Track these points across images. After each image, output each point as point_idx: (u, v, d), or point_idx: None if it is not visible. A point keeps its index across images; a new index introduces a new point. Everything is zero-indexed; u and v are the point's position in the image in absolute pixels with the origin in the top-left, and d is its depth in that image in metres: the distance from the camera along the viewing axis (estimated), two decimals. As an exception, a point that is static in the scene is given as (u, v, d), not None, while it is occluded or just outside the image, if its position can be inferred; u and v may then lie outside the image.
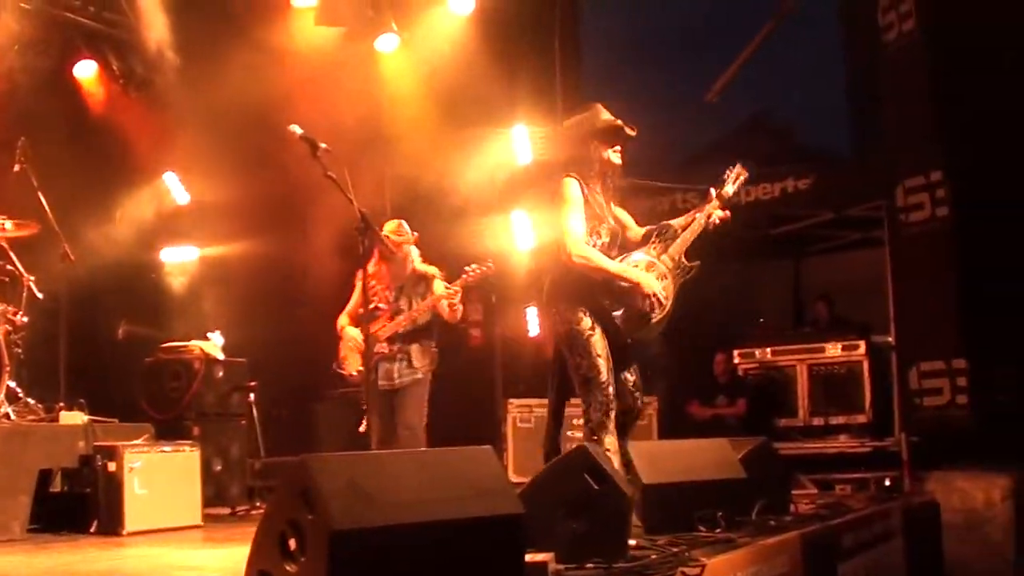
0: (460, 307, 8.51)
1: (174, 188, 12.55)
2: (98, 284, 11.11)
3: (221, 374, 10.61)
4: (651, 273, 6.56)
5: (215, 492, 9.98)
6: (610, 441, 6.39)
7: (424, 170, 11.33)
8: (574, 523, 5.35)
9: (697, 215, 6.95)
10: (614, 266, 6.35)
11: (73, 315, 9.83)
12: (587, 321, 6.40)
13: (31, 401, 9.31)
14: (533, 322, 12.82)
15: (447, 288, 8.46)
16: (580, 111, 6.77)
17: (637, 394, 6.78)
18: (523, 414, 11.15)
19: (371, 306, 8.38)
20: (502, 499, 4.44)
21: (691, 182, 13.76)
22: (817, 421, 12.67)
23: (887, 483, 11.46)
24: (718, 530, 6.55)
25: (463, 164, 12.16)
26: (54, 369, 9.37)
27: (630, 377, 6.73)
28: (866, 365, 12.56)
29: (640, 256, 6.64)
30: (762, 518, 7.28)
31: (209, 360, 10.48)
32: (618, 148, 6.72)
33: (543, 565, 4.76)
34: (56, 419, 9.01)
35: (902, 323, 11.77)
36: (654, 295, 6.39)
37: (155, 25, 12.04)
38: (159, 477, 8.41)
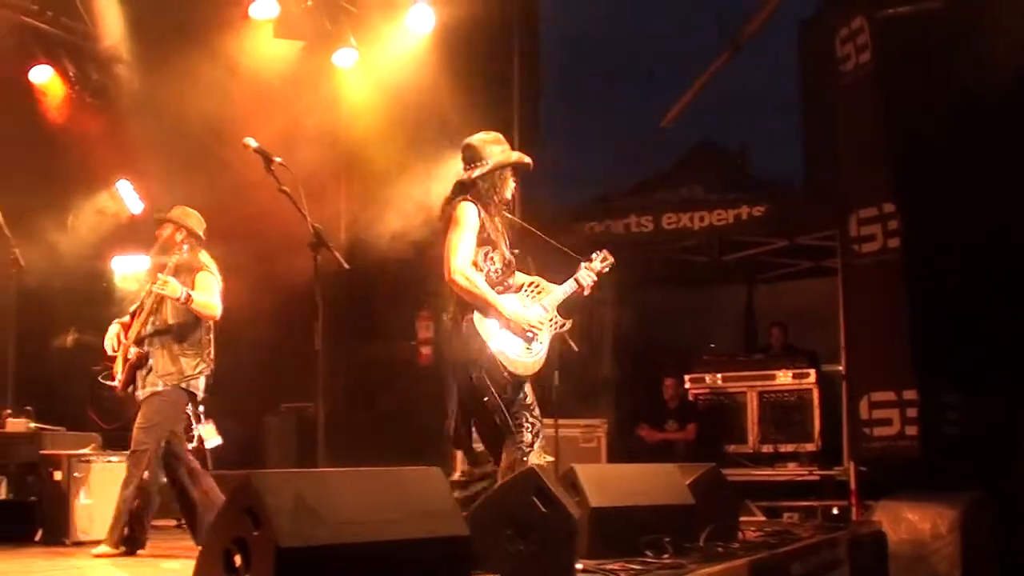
0: (201, 306, 7.79)
1: (128, 196, 12.43)
2: (49, 292, 10.98)
3: (170, 388, 10.49)
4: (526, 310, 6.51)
5: (161, 503, 9.87)
6: (535, 462, 6.32)
7: (381, 185, 11.27)
8: (521, 545, 5.34)
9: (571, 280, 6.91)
10: (492, 296, 6.30)
11: (23, 322, 9.75)
12: (495, 349, 6.31)
13: (-22, 408, 9.24)
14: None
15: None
16: (485, 137, 6.69)
17: (536, 411, 6.67)
18: (473, 434, 11.06)
19: (133, 307, 7.92)
20: (448, 520, 4.43)
21: (643, 206, 13.84)
22: (766, 448, 12.71)
23: (834, 512, 11.52)
24: (665, 556, 6.56)
25: (420, 180, 12.11)
26: (2, 376, 9.28)
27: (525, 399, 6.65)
28: (816, 393, 12.63)
29: (513, 301, 6.56)
30: (709, 545, 7.29)
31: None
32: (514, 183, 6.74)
33: (490, 588, 4.75)
34: (3, 426, 8.93)
35: (853, 352, 11.84)
36: (531, 326, 6.38)
37: (112, 32, 11.97)
38: (105, 487, 8.34)
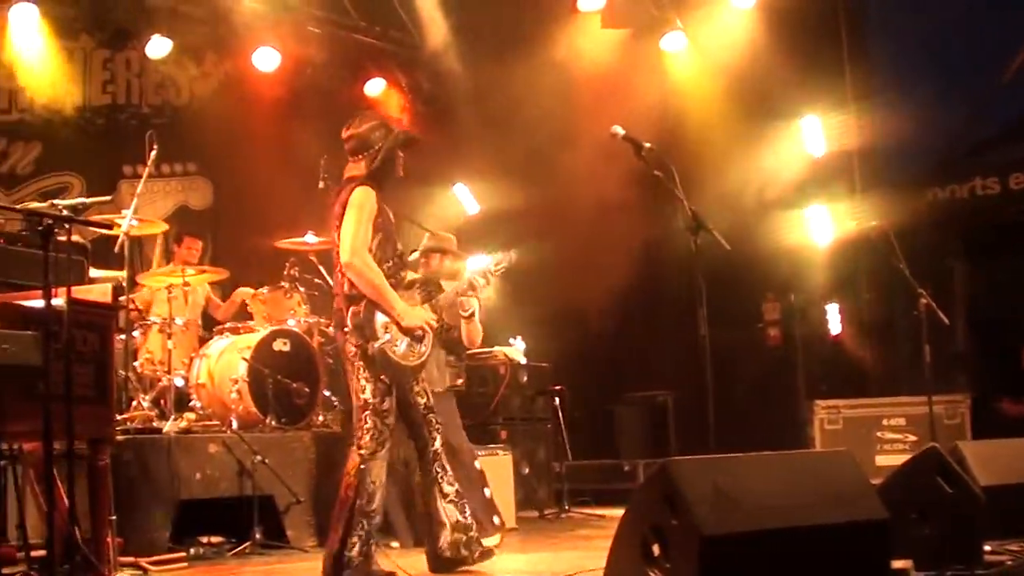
0: (478, 327, 7.77)
1: (464, 199, 12.76)
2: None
3: (525, 379, 10.74)
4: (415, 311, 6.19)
5: (523, 495, 10.06)
6: (378, 473, 6.01)
7: (717, 167, 11.15)
8: (926, 527, 5.12)
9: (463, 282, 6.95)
10: (388, 290, 5.99)
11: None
12: (380, 345, 6.00)
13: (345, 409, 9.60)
14: (834, 319, 12.46)
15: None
16: (369, 118, 6.39)
17: (429, 415, 6.36)
18: (831, 416, 10.79)
19: None
20: (866, 504, 4.28)
21: (988, 167, 13.15)
22: None
23: None
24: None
25: (756, 159, 11.93)
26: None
27: (420, 400, 6.35)
28: None
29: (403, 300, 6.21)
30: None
31: (514, 365, 10.60)
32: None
33: (904, 572, 4.57)
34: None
35: None
36: (415, 329, 6.08)
37: (439, 41, 12.27)
38: (493, 480, 8.45)
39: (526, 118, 11.51)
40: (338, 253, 6.04)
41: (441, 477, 6.36)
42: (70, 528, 4.84)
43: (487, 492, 7.96)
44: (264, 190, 11.13)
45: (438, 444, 6.39)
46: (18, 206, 5.97)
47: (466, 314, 7.74)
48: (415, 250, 8.21)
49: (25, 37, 10.79)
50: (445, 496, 6.35)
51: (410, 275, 6.61)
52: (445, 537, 6.29)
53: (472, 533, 6.37)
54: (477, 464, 7.99)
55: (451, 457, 8.10)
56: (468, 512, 6.41)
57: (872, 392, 11.55)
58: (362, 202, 6.05)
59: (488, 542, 7.74)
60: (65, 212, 5.00)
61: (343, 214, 6.05)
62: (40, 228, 4.49)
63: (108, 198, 8.10)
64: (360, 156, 6.25)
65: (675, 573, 3.81)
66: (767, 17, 11.68)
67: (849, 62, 12.85)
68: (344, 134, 6.31)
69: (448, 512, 6.34)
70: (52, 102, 11.28)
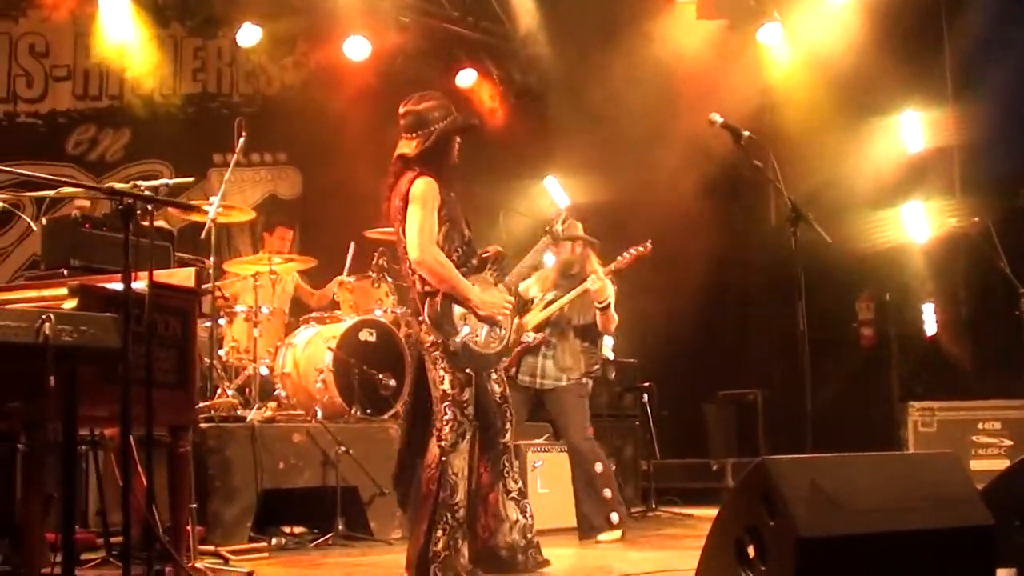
0: (613, 315, 8.03)
1: (555, 192, 12.64)
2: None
3: (613, 375, 10.60)
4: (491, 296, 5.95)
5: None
6: (459, 465, 5.76)
7: (814, 162, 10.90)
8: (1032, 536, 4.89)
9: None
10: (461, 281, 5.75)
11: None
12: (462, 339, 5.77)
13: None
14: (930, 319, 12.15)
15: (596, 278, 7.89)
16: (430, 97, 5.98)
17: (504, 405, 6.08)
18: (925, 418, 10.50)
19: (529, 296, 8.18)
20: (971, 509, 4.07)
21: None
22: None
23: None
24: None
25: (853, 154, 11.66)
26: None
27: (497, 388, 6.07)
28: None
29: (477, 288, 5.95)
30: None
31: (602, 361, 10.46)
32: None
33: (1009, 580, 4.36)
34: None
35: None
36: (494, 316, 5.84)
37: (532, 32, 12.19)
38: (560, 476, 8.38)
39: (619, 110, 11.39)
40: (404, 247, 5.84)
41: (507, 472, 6.12)
42: (148, 515, 4.77)
43: (607, 492, 7.98)
44: (353, 180, 11.09)
45: (508, 437, 6.16)
46: (102, 186, 5.92)
47: (601, 305, 7.91)
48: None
49: (116, 25, 10.88)
50: (508, 492, 6.12)
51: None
52: (504, 535, 6.07)
53: (531, 536, 6.16)
54: (599, 467, 7.94)
55: (570, 456, 8.05)
56: (528, 512, 6.19)
57: (967, 394, 11.25)
58: (424, 194, 5.76)
59: (604, 537, 7.80)
60: (147, 192, 4.92)
61: (405, 207, 5.82)
62: (120, 207, 4.41)
63: (191, 179, 8.01)
64: (414, 134, 5.91)
65: (771, 575, 3.65)
66: (866, 9, 11.43)
67: (950, 56, 12.52)
68: (401, 109, 5.98)
69: (509, 509, 6.12)
70: (142, 90, 11.38)
